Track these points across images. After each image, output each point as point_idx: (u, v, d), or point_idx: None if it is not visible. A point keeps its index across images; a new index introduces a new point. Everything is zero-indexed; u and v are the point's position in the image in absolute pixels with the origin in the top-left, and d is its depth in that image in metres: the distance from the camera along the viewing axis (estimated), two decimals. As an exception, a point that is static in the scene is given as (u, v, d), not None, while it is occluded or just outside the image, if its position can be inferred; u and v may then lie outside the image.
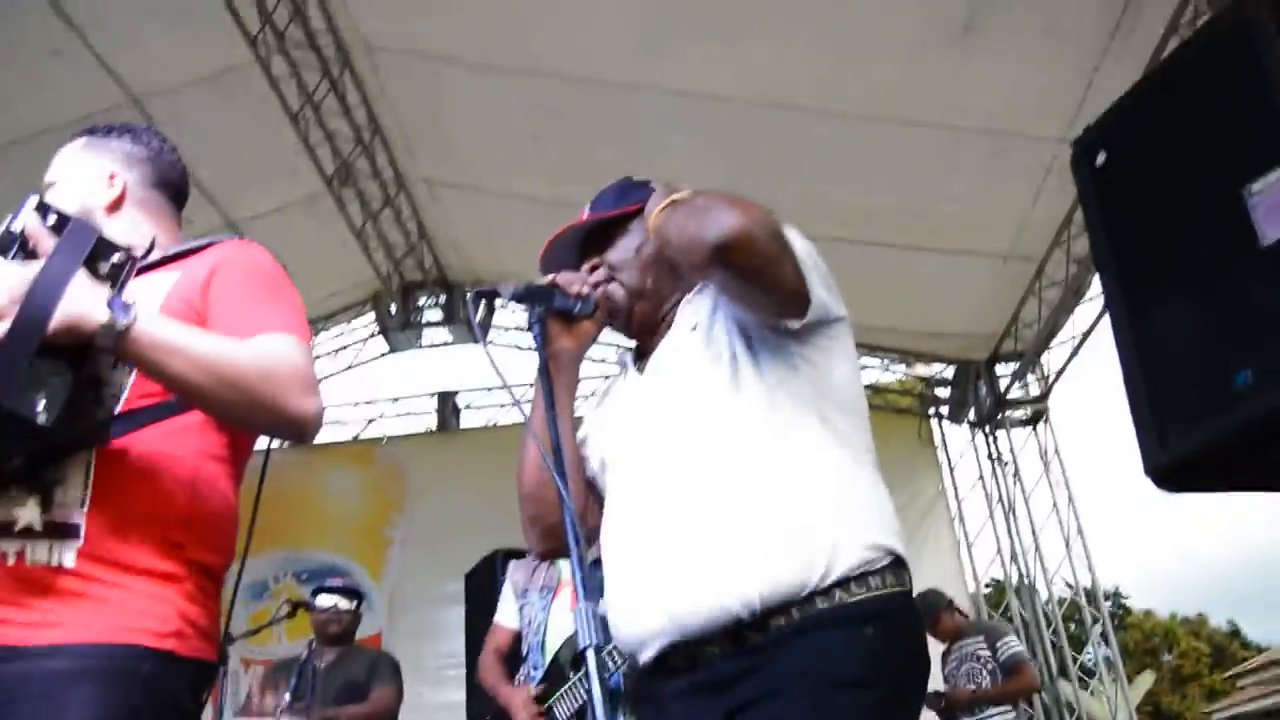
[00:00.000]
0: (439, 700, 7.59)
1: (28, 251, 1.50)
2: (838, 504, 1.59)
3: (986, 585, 8.88)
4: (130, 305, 1.50)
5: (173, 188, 1.97)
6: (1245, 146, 1.75)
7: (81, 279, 1.49)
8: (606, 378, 2.01)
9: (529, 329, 1.70)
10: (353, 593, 5.04)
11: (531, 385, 1.78)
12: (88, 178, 1.86)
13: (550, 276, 1.76)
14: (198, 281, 1.71)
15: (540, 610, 3.72)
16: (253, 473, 1.87)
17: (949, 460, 8.63)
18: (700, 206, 1.57)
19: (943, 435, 8.71)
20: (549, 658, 3.59)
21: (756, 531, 1.55)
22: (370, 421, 9.32)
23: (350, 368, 9.32)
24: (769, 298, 1.60)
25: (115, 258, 1.55)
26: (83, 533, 1.53)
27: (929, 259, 6.85)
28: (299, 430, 1.63)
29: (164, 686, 1.55)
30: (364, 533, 8.61)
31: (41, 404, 1.44)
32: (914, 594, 1.64)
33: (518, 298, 1.68)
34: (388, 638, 7.68)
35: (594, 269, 1.84)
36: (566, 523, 1.40)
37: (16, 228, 1.50)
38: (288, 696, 3.95)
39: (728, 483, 1.59)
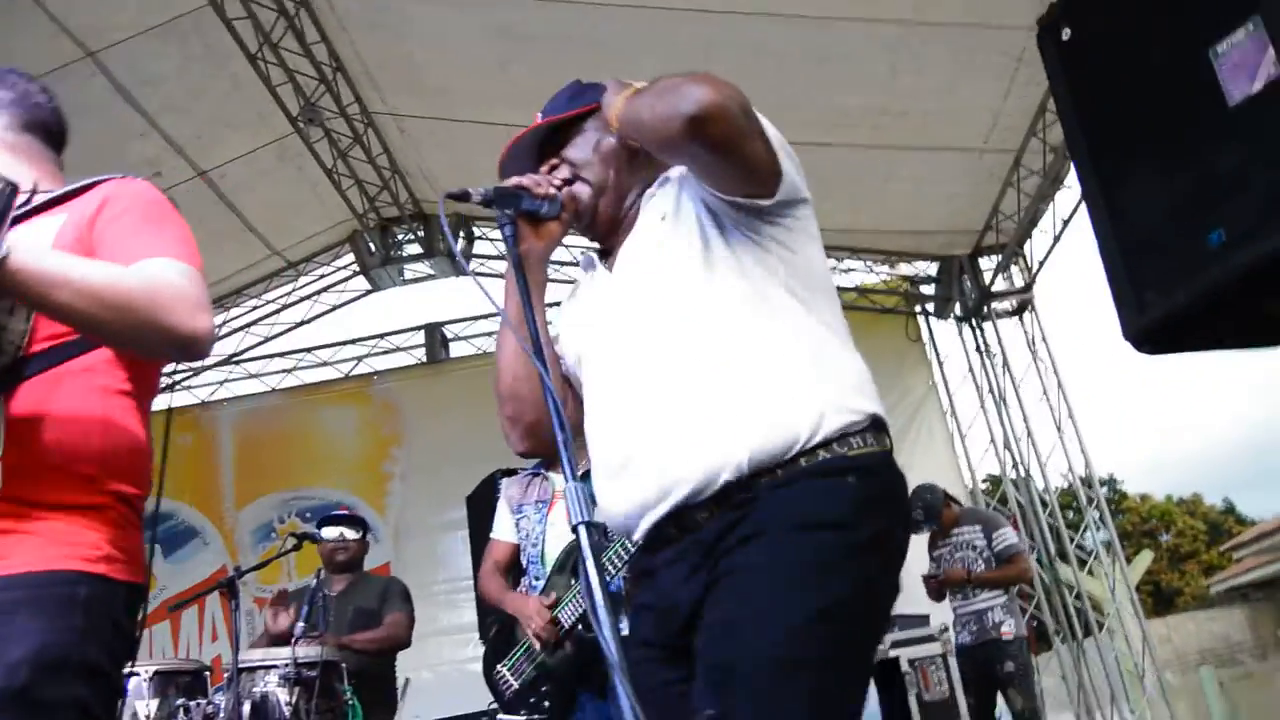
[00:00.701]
0: (452, 623, 7.78)
1: None
2: (817, 371, 1.63)
3: (984, 480, 9.01)
4: (4, 241, 1.48)
5: (45, 130, 1.92)
6: (1208, 9, 1.75)
7: None
8: (571, 281, 2.04)
9: (499, 229, 1.72)
10: (356, 521, 5.12)
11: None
12: None
13: (515, 179, 1.77)
14: (85, 218, 1.71)
15: (537, 523, 3.78)
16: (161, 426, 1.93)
17: (938, 356, 8.70)
18: (670, 85, 1.58)
19: (930, 332, 8.76)
20: (549, 568, 3.65)
21: (740, 400, 1.59)
22: (360, 359, 9.35)
23: (335, 308, 9.31)
24: (741, 171, 1.62)
25: None
26: None
27: (906, 157, 6.84)
28: (190, 349, 1.65)
29: (102, 608, 1.60)
30: (364, 468, 8.70)
31: None
32: (894, 458, 1.68)
33: (486, 200, 1.69)
34: (395, 568, 7.78)
35: (554, 168, 1.85)
36: (550, 406, 1.42)
37: None
38: (301, 624, 4.02)
39: (709, 357, 1.63)
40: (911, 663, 5.30)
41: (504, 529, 3.98)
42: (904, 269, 8.71)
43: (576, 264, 2.00)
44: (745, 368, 1.61)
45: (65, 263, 1.56)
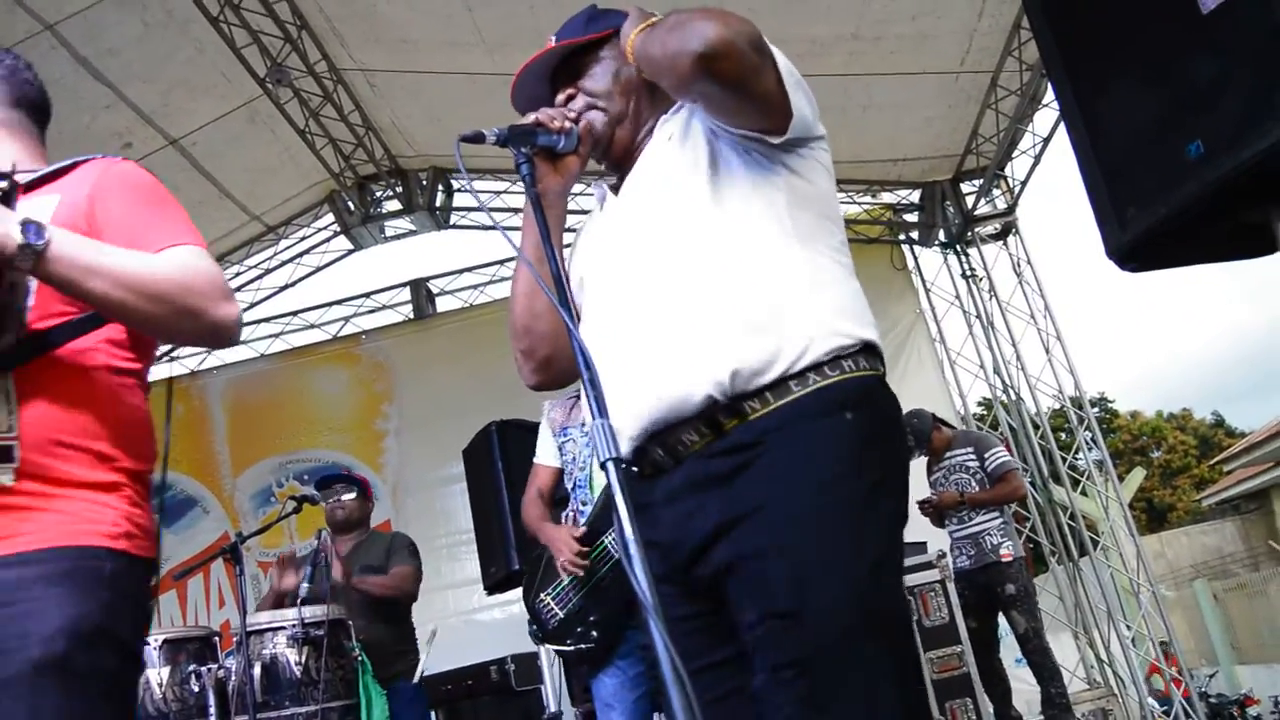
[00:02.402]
0: (456, 576, 7.85)
1: None
2: (810, 291, 1.63)
3: (976, 404, 9.06)
4: (44, 227, 1.52)
5: (32, 105, 1.92)
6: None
7: None
8: (586, 211, 2.01)
9: (516, 169, 1.68)
10: (353, 480, 5.14)
11: (516, 238, 1.80)
12: None
13: (532, 116, 1.73)
14: (79, 206, 1.71)
15: (584, 446, 3.71)
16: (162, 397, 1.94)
17: (924, 283, 8.70)
18: (680, 20, 1.56)
19: (915, 259, 8.75)
20: (597, 492, 3.60)
21: (726, 314, 1.59)
22: (347, 320, 9.30)
23: (318, 270, 9.25)
24: (752, 107, 1.61)
25: (0, 185, 1.56)
26: (16, 454, 1.57)
27: (882, 84, 6.78)
28: (223, 336, 1.72)
29: (125, 583, 1.63)
30: (357, 427, 8.71)
31: None
32: (885, 382, 1.69)
33: (501, 140, 1.65)
34: (396, 525, 7.84)
35: (570, 98, 1.83)
36: (575, 345, 1.38)
37: None
38: (305, 585, 4.05)
39: (701, 273, 1.62)
40: (911, 590, 5.35)
41: (546, 454, 3.89)
42: (886, 197, 8.67)
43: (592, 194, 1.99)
44: (736, 284, 1.61)
45: (98, 251, 1.59)
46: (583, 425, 3.74)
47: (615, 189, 1.88)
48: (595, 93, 1.82)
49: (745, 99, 1.59)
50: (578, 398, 3.79)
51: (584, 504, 3.65)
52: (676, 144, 1.75)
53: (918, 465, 6.13)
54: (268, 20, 6.42)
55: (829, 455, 1.56)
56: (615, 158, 1.86)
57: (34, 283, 1.62)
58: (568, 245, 2.07)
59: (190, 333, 1.71)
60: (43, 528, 1.56)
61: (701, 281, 1.62)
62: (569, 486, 3.79)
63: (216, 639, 3.90)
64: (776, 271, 1.63)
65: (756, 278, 1.61)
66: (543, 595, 3.63)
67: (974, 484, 5.93)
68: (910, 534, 5.33)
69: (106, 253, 1.60)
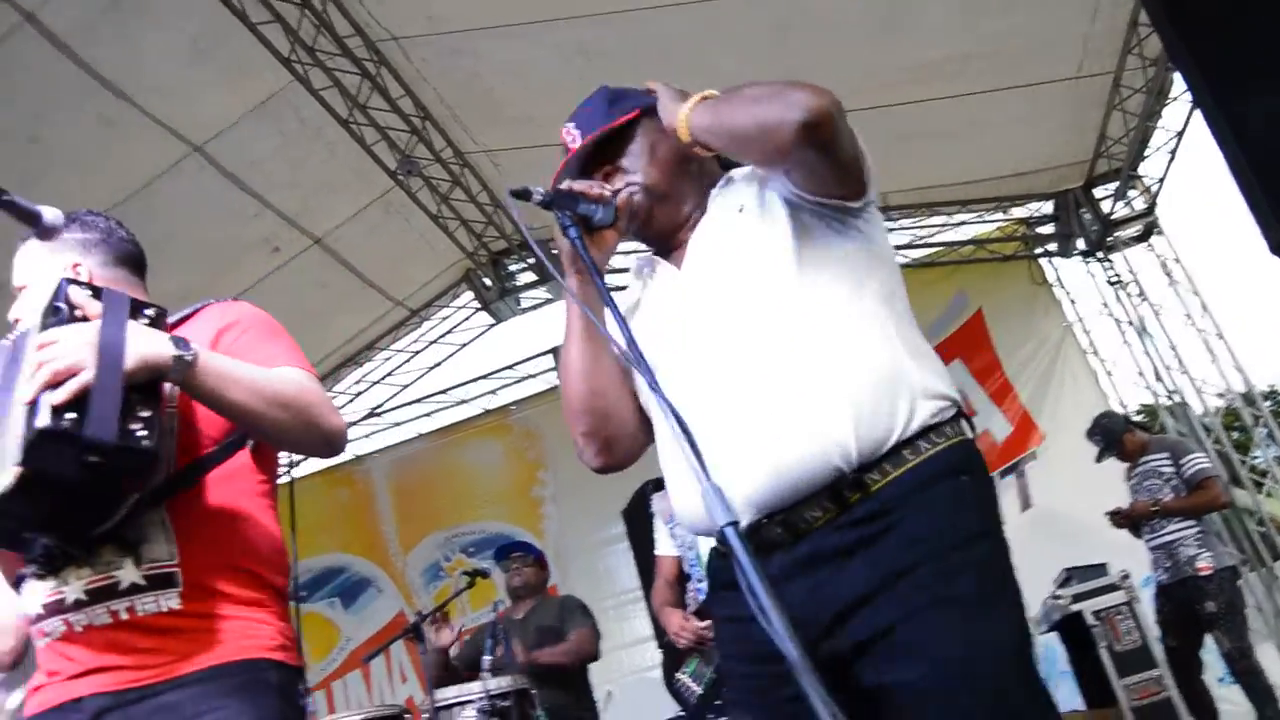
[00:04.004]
0: (626, 636, 7.87)
1: (78, 318, 1.65)
2: (910, 358, 1.65)
3: (1137, 412, 8.68)
4: (191, 342, 1.68)
5: (132, 260, 2.09)
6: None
7: (139, 326, 1.67)
8: (622, 288, 1.97)
9: (563, 232, 1.69)
10: (529, 549, 5.31)
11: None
12: (56, 273, 1.95)
13: (569, 183, 1.75)
14: (209, 338, 1.87)
15: (691, 534, 3.83)
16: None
17: (1068, 296, 8.41)
18: (769, 92, 1.58)
19: (1056, 272, 8.47)
20: None
21: (841, 387, 1.58)
22: (494, 392, 9.55)
23: (462, 347, 9.53)
24: (840, 174, 1.63)
25: (149, 313, 1.74)
26: (180, 579, 1.72)
27: (1001, 100, 6.65)
28: (335, 444, 1.88)
29: (287, 690, 1.78)
30: (515, 496, 8.90)
31: (141, 430, 1.60)
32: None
33: (545, 203, 1.68)
34: (562, 589, 7.90)
35: (607, 176, 1.84)
36: (664, 405, 1.36)
37: (61, 302, 1.66)
38: (488, 658, 4.16)
39: (807, 346, 1.61)
40: (1096, 614, 5.12)
41: (664, 544, 4.09)
42: (1017, 212, 8.44)
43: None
44: (845, 355, 1.61)
45: (235, 364, 1.75)
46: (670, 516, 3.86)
47: (662, 255, 1.88)
48: (632, 169, 1.84)
49: (838, 165, 1.61)
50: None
51: (700, 582, 3.83)
52: (753, 216, 1.74)
53: (1109, 470, 5.88)
54: (393, 116, 6.72)
55: (961, 518, 1.58)
56: (658, 233, 1.87)
57: (176, 423, 1.77)
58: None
59: (309, 441, 1.85)
60: (212, 646, 1.71)
61: (810, 355, 1.61)
62: (685, 569, 3.98)
63: (407, 716, 4.02)
64: (879, 341, 1.64)
65: (864, 349, 1.62)
66: (679, 676, 3.84)
67: (1168, 491, 5.62)
68: (1088, 556, 5.11)
69: (241, 367, 1.76)
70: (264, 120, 6.33)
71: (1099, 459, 6.03)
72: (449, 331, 9.45)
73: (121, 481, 1.67)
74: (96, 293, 1.70)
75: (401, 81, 6.64)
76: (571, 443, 1.89)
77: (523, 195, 1.66)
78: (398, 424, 9.75)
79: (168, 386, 1.69)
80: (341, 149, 6.79)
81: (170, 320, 1.92)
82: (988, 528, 1.60)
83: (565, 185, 1.75)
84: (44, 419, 1.52)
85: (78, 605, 1.70)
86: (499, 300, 8.87)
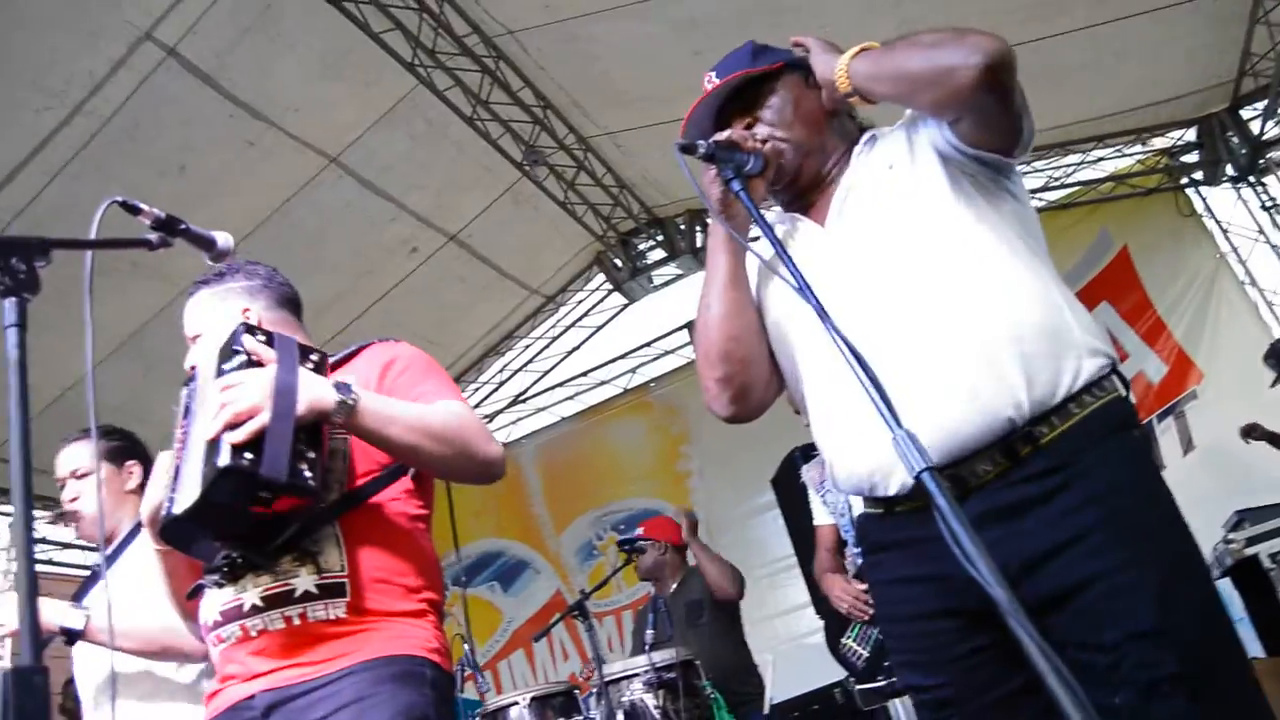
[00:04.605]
0: (782, 604, 7.89)
1: (253, 363, 1.80)
2: (1069, 313, 1.64)
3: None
4: (352, 386, 1.82)
5: (291, 303, 2.25)
6: None
7: (307, 372, 1.81)
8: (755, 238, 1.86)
9: (725, 183, 1.71)
10: (630, 542, 5.15)
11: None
12: (228, 319, 2.10)
13: (726, 133, 1.75)
14: (374, 374, 2.01)
15: (843, 499, 3.84)
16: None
17: (1220, 225, 8.00)
18: (947, 35, 1.57)
19: (1204, 201, 8.07)
20: None
21: (1012, 341, 1.58)
22: (634, 370, 9.69)
23: (599, 329, 9.69)
24: (1011, 121, 1.62)
25: (314, 357, 1.89)
26: (349, 589, 1.86)
27: (1132, 27, 6.37)
28: (492, 473, 1.99)
29: (443, 690, 1.90)
30: (661, 472, 9.02)
31: (308, 473, 1.75)
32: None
33: (708, 155, 1.70)
34: (715, 563, 7.99)
35: (749, 127, 1.83)
36: (854, 362, 1.34)
37: (239, 346, 1.82)
38: (650, 632, 4.25)
39: (973, 300, 1.61)
40: (1274, 557, 4.89)
41: (820, 514, 4.09)
42: (1158, 143, 8.05)
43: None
44: (1012, 310, 1.60)
45: (393, 403, 1.90)
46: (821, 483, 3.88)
47: (801, 211, 1.87)
48: (776, 122, 1.83)
49: (1010, 113, 1.60)
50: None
51: (857, 547, 3.77)
52: (905, 173, 1.73)
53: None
54: (515, 108, 6.87)
55: (1140, 471, 1.59)
56: (802, 186, 1.85)
57: (348, 446, 1.93)
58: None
59: (467, 470, 1.97)
60: (369, 645, 1.84)
61: (977, 310, 1.60)
62: (843, 535, 3.95)
63: (576, 692, 4.15)
64: (1042, 296, 1.63)
65: (1030, 304, 1.61)
66: (844, 640, 3.80)
67: None
68: (1260, 495, 4.88)
69: (400, 405, 1.90)
70: (393, 126, 6.56)
71: (1274, 384, 5.75)
72: (585, 315, 9.61)
73: (289, 515, 1.84)
74: (268, 338, 1.86)
75: (521, 74, 6.78)
76: (713, 416, 1.90)
77: (689, 149, 1.69)
78: (542, 409, 10.00)
79: None
80: (468, 146, 6.98)
81: (332, 360, 2.07)
82: (1161, 482, 1.60)
83: (725, 135, 1.75)
84: (225, 458, 1.68)
85: (254, 611, 1.86)
86: (630, 280, 8.97)
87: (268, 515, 1.81)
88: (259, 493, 1.73)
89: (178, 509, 1.77)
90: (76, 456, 2.78)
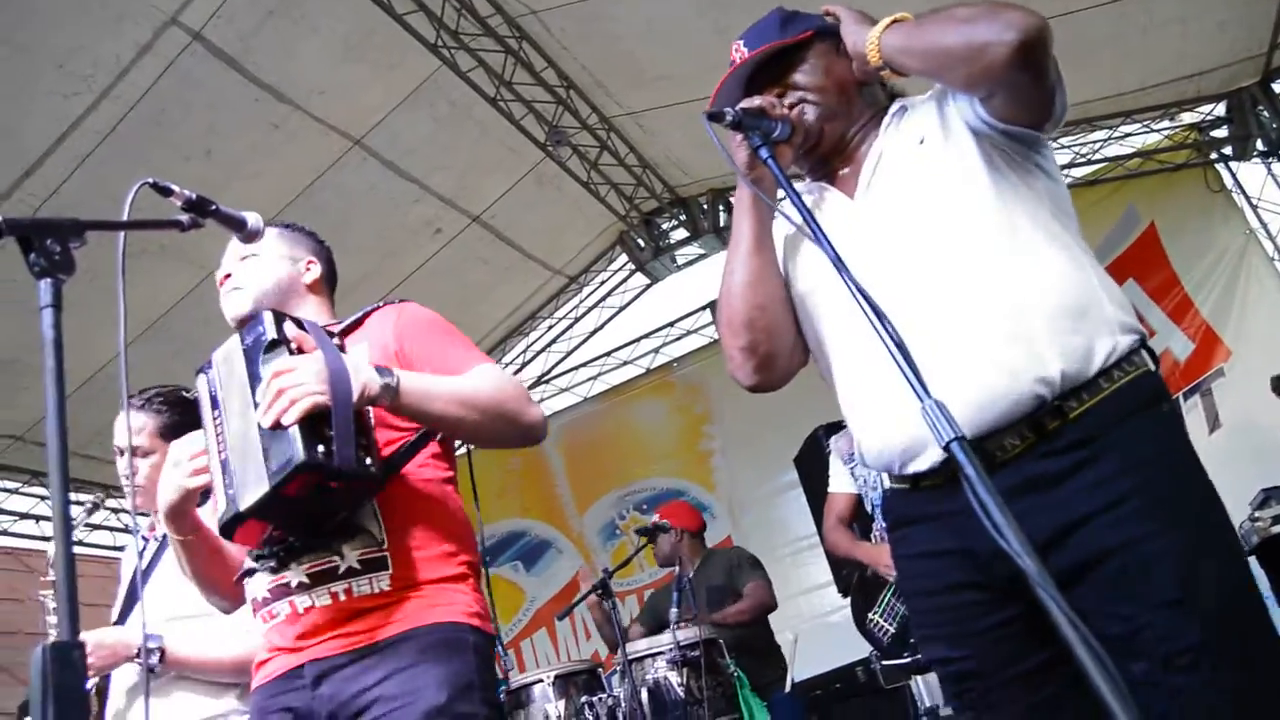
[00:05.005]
0: (805, 583, 7.91)
1: (293, 350, 1.82)
2: (1101, 288, 1.64)
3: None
4: (392, 369, 1.83)
5: (334, 279, 2.32)
6: None
7: (351, 360, 1.82)
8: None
9: (754, 150, 1.71)
10: (650, 529, 5.14)
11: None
12: (291, 256, 2.21)
13: (756, 100, 1.75)
14: (389, 348, 2.01)
15: (873, 473, 3.82)
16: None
17: (1249, 201, 7.92)
18: (981, 10, 1.55)
19: (1233, 177, 7.97)
20: None
21: (1042, 315, 1.58)
22: (657, 350, 9.69)
23: (622, 309, 9.70)
24: (1045, 97, 1.62)
25: (336, 341, 1.91)
26: (390, 562, 1.88)
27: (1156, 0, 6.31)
28: (535, 436, 2.00)
29: (484, 652, 1.93)
30: (684, 452, 9.03)
31: (368, 458, 1.78)
32: None
33: (736, 122, 1.70)
34: (736, 540, 7.96)
35: (780, 94, 1.82)
36: (882, 330, 1.34)
37: (278, 334, 1.82)
38: (674, 610, 4.28)
39: (1008, 272, 1.61)
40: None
41: (841, 481, 4.06)
42: (1187, 118, 7.96)
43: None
44: (1045, 285, 1.61)
45: (431, 380, 1.91)
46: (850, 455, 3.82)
47: (825, 180, 1.88)
48: (808, 88, 1.82)
49: (1044, 89, 1.59)
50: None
51: (883, 524, 3.72)
52: (937, 146, 1.72)
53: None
54: (538, 89, 6.86)
55: (1171, 445, 1.59)
56: (824, 151, 1.85)
57: (374, 420, 1.93)
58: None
59: (509, 436, 1.99)
60: (419, 611, 1.87)
61: (1010, 284, 1.60)
62: (869, 509, 3.88)
63: (600, 669, 4.19)
64: (1075, 272, 1.63)
65: (1062, 280, 1.61)
66: (871, 615, 3.75)
67: None
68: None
69: (437, 380, 1.91)
70: (416, 108, 6.57)
71: None
72: (608, 295, 9.62)
73: (347, 500, 1.86)
74: (301, 325, 1.88)
75: (544, 54, 6.77)
76: (736, 396, 1.93)
77: (717, 118, 1.69)
78: (565, 389, 10.02)
79: None
80: (492, 127, 6.99)
81: (349, 322, 2.11)
82: (1192, 454, 1.60)
83: (754, 102, 1.74)
84: (300, 451, 1.68)
85: (301, 588, 1.88)
86: (653, 260, 8.96)
87: (332, 501, 1.83)
88: (330, 483, 1.74)
89: (243, 505, 1.75)
90: (138, 427, 2.69)
